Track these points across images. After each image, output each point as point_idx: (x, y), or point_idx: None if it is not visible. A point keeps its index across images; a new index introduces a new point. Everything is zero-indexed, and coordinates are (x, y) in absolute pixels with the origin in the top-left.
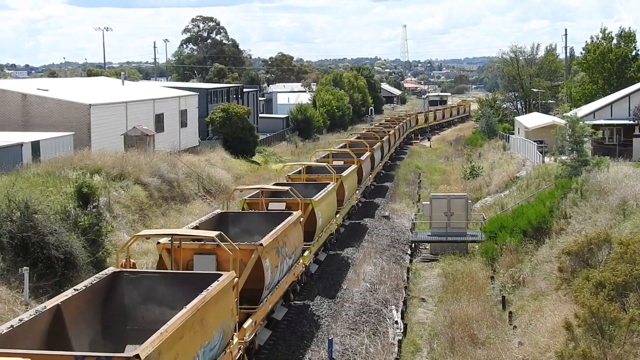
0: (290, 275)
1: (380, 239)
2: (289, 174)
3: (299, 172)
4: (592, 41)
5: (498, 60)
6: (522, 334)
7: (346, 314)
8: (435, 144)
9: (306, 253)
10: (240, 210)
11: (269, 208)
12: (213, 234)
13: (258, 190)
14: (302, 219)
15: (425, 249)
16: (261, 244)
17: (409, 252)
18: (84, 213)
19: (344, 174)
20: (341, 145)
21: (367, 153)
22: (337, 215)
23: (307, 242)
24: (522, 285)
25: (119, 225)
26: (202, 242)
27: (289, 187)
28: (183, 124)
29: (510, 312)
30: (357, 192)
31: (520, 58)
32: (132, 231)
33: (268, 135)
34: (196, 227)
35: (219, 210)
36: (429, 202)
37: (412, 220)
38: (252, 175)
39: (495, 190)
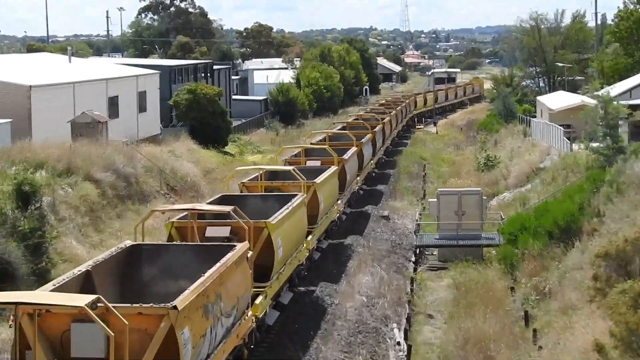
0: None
1: (378, 243)
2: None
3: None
4: (626, 7)
5: (516, 30)
6: (549, 356)
7: (338, 334)
8: (442, 129)
9: (309, 237)
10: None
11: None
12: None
13: (187, 212)
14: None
15: (432, 254)
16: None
17: (413, 258)
18: (24, 216)
19: (318, 180)
20: (320, 138)
21: (353, 149)
22: (309, 238)
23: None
24: (548, 298)
25: (65, 230)
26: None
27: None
28: (142, 108)
29: (534, 330)
30: (339, 201)
31: (542, 27)
32: (82, 237)
33: (243, 121)
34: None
35: (129, 242)
36: (435, 199)
37: (416, 220)
38: (224, 168)
39: (514, 185)
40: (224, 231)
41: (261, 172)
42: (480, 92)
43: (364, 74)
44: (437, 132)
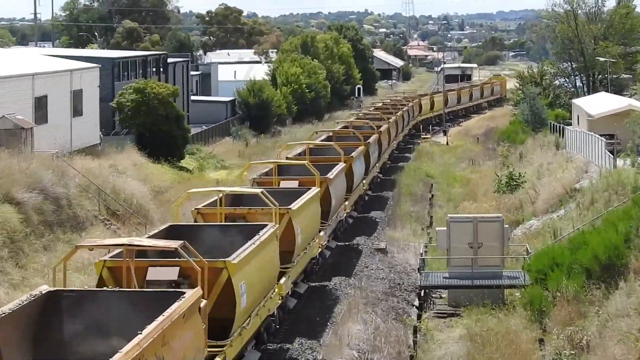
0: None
1: (373, 283)
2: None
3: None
4: None
5: (546, 16)
6: None
7: None
8: (454, 139)
9: (283, 280)
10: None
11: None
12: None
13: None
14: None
15: (441, 297)
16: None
17: (417, 303)
18: None
19: (295, 206)
20: (299, 152)
21: (341, 166)
22: (282, 280)
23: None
24: (585, 352)
25: None
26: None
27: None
28: (77, 111)
29: None
30: (322, 233)
31: (580, 12)
32: None
33: (204, 127)
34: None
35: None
36: (445, 228)
37: (421, 254)
38: (180, 188)
39: (544, 210)
40: (171, 273)
41: (221, 195)
42: (501, 93)
43: (357, 70)
44: (447, 143)
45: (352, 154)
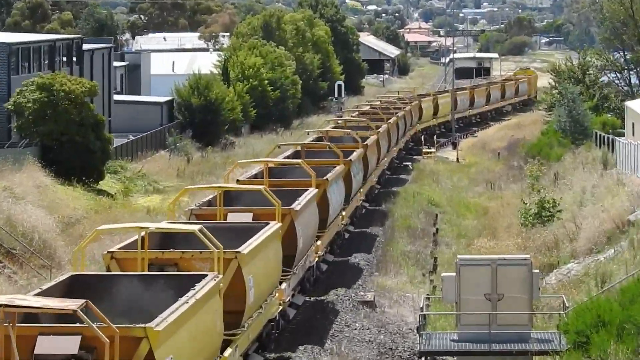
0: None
1: (356, 348)
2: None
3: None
4: None
5: None
6: None
7: None
8: (467, 155)
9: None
10: None
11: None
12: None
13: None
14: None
15: None
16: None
17: None
18: None
19: (245, 249)
20: (255, 172)
21: (311, 193)
22: (227, 353)
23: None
24: None
25: None
26: None
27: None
28: None
29: None
30: (284, 285)
31: None
32: None
33: (132, 137)
34: None
35: None
36: (454, 274)
37: (421, 309)
38: (97, 219)
39: (586, 249)
40: (69, 345)
41: (143, 233)
42: (529, 93)
43: (337, 61)
44: (457, 160)
45: (328, 176)
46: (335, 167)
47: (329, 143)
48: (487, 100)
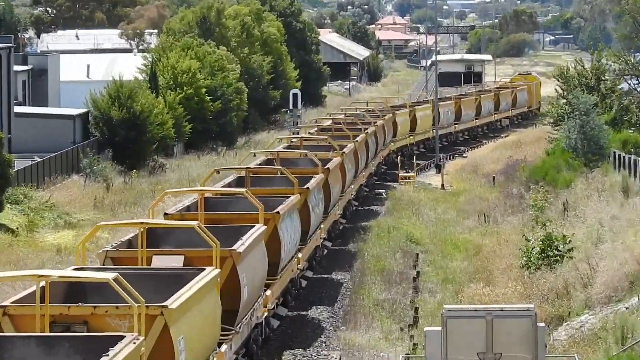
0: None
1: None
2: None
3: None
4: None
5: None
6: None
7: None
8: (454, 180)
9: None
10: None
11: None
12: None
13: None
14: None
15: None
16: None
17: None
18: None
19: (174, 303)
20: (186, 204)
21: (258, 231)
22: None
23: None
24: None
25: None
26: None
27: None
28: None
29: None
30: (224, 348)
31: None
32: None
33: (37, 159)
34: None
35: None
36: (440, 328)
37: None
38: None
39: (604, 297)
40: None
41: (43, 283)
42: (531, 104)
43: (292, 64)
44: (442, 187)
45: (279, 209)
46: (288, 197)
47: (280, 167)
48: (478, 113)
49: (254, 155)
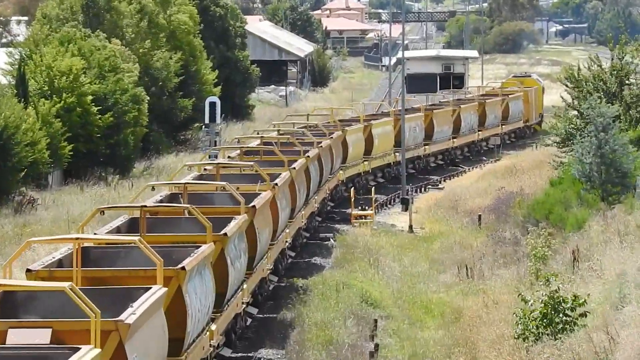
0: None
1: None
2: None
3: None
4: None
5: None
6: None
7: None
8: (427, 219)
9: None
10: None
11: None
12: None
13: None
14: None
15: None
16: None
17: None
18: None
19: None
20: (57, 257)
21: (155, 295)
22: None
23: None
24: None
25: None
26: None
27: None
28: None
29: None
30: None
31: None
32: None
33: None
34: None
35: None
36: None
37: None
38: None
39: None
40: None
41: None
42: (528, 117)
43: (210, 63)
44: (410, 229)
45: (186, 264)
46: (199, 246)
47: (188, 205)
48: (456, 130)
49: (153, 189)
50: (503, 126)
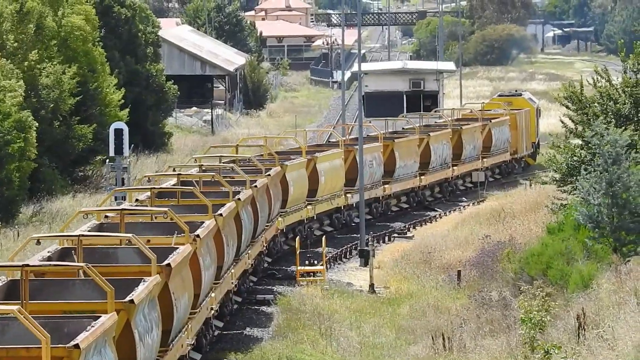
0: None
1: None
2: None
3: None
4: None
5: None
6: None
7: None
8: (392, 276)
9: None
10: None
11: None
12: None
13: None
14: None
15: None
16: None
17: None
18: None
19: None
20: None
21: None
22: None
23: None
24: None
25: None
26: None
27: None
28: None
29: None
30: None
31: None
32: None
33: None
34: None
35: None
36: None
37: None
38: None
39: None
40: None
41: None
42: (518, 147)
43: (114, 80)
44: (372, 288)
45: (79, 341)
46: (98, 317)
47: (83, 264)
48: (425, 164)
49: (38, 243)
50: (484, 159)
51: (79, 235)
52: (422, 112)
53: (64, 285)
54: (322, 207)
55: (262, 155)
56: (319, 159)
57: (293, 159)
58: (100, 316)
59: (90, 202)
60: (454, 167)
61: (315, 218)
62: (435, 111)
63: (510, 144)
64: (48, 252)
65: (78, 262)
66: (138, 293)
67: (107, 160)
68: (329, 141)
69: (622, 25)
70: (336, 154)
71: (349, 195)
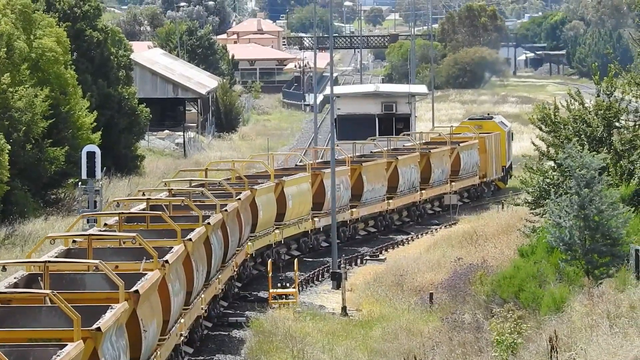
0: None
1: None
2: None
3: None
4: None
5: None
6: None
7: None
8: (364, 299)
9: None
10: None
11: None
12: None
13: None
14: None
15: None
16: None
17: None
18: None
19: None
20: None
21: None
22: None
23: None
24: None
25: None
26: None
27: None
28: None
29: None
30: None
31: None
32: None
33: None
34: None
35: None
36: None
37: None
38: None
39: None
40: None
41: None
42: (487, 171)
43: (87, 103)
44: (344, 311)
45: None
46: (64, 346)
47: (49, 292)
48: (393, 188)
49: (4, 270)
50: (453, 183)
51: (45, 262)
52: (390, 136)
53: (30, 312)
54: (289, 231)
55: (229, 179)
56: (287, 182)
57: (261, 182)
58: (67, 344)
59: (63, 224)
60: (422, 191)
61: (282, 242)
62: (405, 134)
63: (480, 168)
64: (15, 277)
65: (45, 288)
66: (105, 320)
67: (80, 183)
68: (297, 165)
69: (593, 48)
70: (303, 178)
71: (316, 219)
